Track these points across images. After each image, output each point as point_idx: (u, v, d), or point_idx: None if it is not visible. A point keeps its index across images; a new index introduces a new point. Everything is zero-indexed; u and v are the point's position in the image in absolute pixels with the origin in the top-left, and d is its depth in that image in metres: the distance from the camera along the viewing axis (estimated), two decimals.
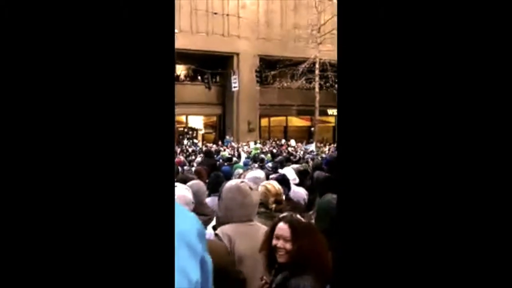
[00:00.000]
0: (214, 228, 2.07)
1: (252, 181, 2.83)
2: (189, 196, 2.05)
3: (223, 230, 1.92)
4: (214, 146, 15.04)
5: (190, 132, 20.05)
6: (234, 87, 17.78)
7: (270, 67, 17.86)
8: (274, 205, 2.59)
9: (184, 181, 2.86)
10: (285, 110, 19.29)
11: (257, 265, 1.77)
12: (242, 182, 2.05)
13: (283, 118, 21.32)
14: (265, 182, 2.83)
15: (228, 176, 4.32)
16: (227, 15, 17.94)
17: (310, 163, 7.37)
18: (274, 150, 12.44)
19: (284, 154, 10.50)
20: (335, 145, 14.40)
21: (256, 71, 17.38)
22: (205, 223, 2.25)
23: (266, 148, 13.77)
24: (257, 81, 17.48)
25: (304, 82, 17.21)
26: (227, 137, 18.06)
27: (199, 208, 2.44)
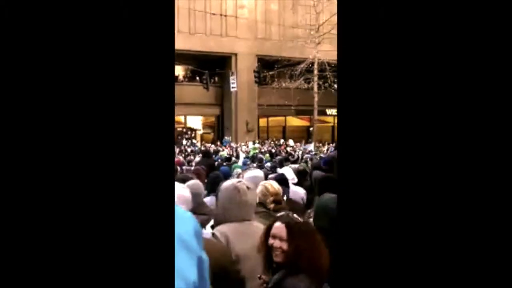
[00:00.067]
0: (213, 227, 2.07)
1: (250, 180, 2.83)
2: (188, 195, 2.04)
3: (220, 229, 1.92)
4: (213, 146, 15.04)
5: (189, 132, 20.05)
6: (233, 87, 17.78)
7: (269, 67, 17.85)
8: (273, 205, 2.59)
9: (183, 181, 2.86)
10: (283, 110, 19.28)
11: (255, 265, 1.77)
12: (239, 181, 2.05)
13: (282, 118, 21.32)
14: (264, 182, 2.83)
15: (227, 176, 4.32)
16: (225, 15, 17.93)
17: (309, 163, 7.38)
18: (273, 150, 12.45)
19: (283, 154, 10.51)
20: (333, 144, 14.40)
21: (254, 71, 17.37)
22: (204, 223, 2.25)
23: (264, 148, 13.77)
24: (256, 81, 17.46)
25: (302, 82, 17.21)
26: (226, 137, 18.05)
27: (197, 208, 2.44)
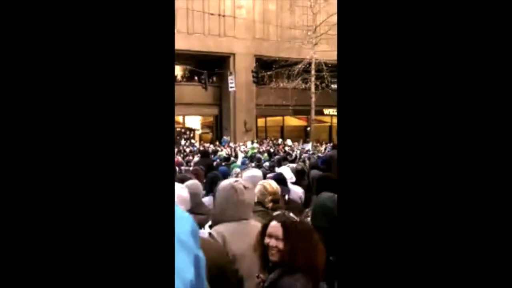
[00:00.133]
0: (211, 227, 2.07)
1: (249, 180, 2.84)
2: (186, 195, 2.05)
3: (217, 229, 1.91)
4: (212, 146, 15.01)
5: (188, 133, 20.00)
6: (231, 87, 17.74)
7: (266, 68, 17.83)
8: (271, 204, 2.60)
9: (182, 181, 2.86)
10: (281, 110, 19.26)
11: (252, 264, 1.76)
12: (236, 181, 2.05)
13: (280, 118, 21.30)
14: (262, 181, 2.84)
15: (226, 176, 4.32)
16: (223, 15, 17.90)
17: (307, 162, 7.38)
18: (271, 150, 12.43)
19: (281, 153, 10.51)
20: (331, 144, 14.40)
21: (252, 72, 17.35)
22: (202, 223, 2.25)
23: (263, 148, 13.75)
24: (254, 81, 17.45)
25: (300, 82, 17.21)
26: (225, 137, 18.03)
27: (195, 208, 2.44)
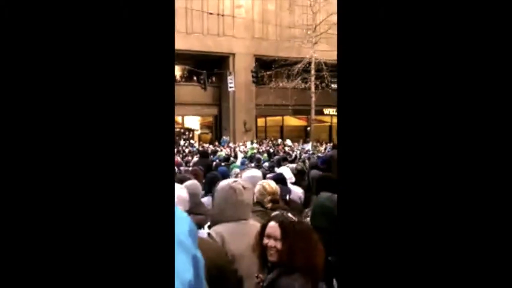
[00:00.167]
0: (210, 227, 2.07)
1: (249, 180, 2.84)
2: (185, 196, 2.05)
3: (215, 229, 1.92)
4: (211, 146, 15.03)
5: (187, 133, 20.02)
6: (231, 87, 17.77)
7: (266, 67, 17.86)
8: (270, 204, 2.60)
9: (181, 181, 2.86)
10: (281, 110, 19.29)
11: (250, 264, 1.77)
12: (235, 181, 2.05)
13: (279, 118, 21.34)
14: (261, 182, 2.84)
15: (225, 176, 4.32)
16: (222, 15, 17.92)
17: (307, 162, 7.39)
18: (271, 150, 12.45)
19: (281, 153, 10.52)
20: (331, 144, 14.42)
21: (252, 71, 17.38)
22: (201, 223, 2.25)
23: (262, 148, 13.77)
24: (253, 81, 17.48)
25: (299, 82, 17.24)
26: (224, 137, 18.05)
27: (195, 208, 2.44)
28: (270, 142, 16.93)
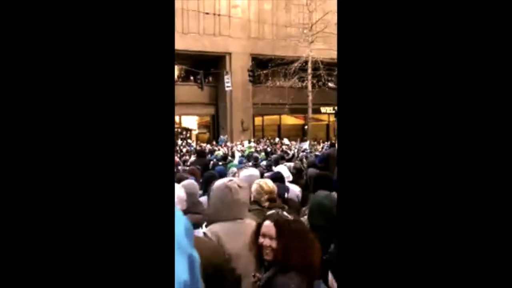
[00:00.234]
0: (207, 227, 2.07)
1: (246, 179, 2.84)
2: (182, 195, 2.05)
3: (211, 229, 1.91)
4: (208, 146, 15.01)
5: (184, 133, 19.99)
6: (227, 86, 17.74)
7: (263, 66, 17.84)
8: (267, 203, 2.60)
9: (179, 180, 2.86)
10: (278, 109, 19.27)
11: (247, 263, 1.77)
12: (230, 180, 2.05)
13: (277, 117, 21.32)
14: (258, 180, 2.84)
15: (223, 175, 4.32)
16: (219, 15, 17.89)
17: (304, 161, 7.39)
18: (268, 149, 12.44)
19: (278, 152, 10.52)
20: (328, 143, 14.43)
21: (248, 71, 17.36)
22: (199, 222, 2.25)
23: (260, 147, 13.77)
24: (250, 81, 17.45)
25: (296, 80, 17.22)
26: (222, 136, 18.03)
27: (192, 207, 2.44)
28: (267, 141, 16.92)
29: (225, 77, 17.72)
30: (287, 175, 4.25)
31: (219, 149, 12.65)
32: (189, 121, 20.93)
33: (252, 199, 2.58)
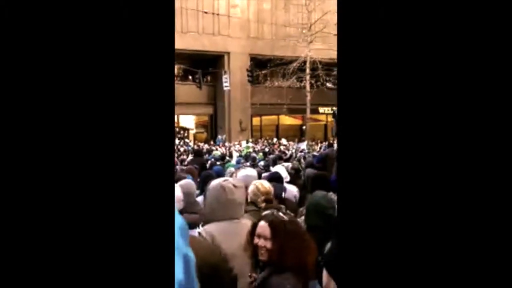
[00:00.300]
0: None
1: (243, 179, 2.84)
2: (179, 195, 2.04)
3: (206, 228, 1.91)
4: (206, 145, 15.00)
5: (182, 132, 19.98)
6: (226, 86, 17.75)
7: (261, 66, 17.86)
8: (264, 204, 2.60)
9: (176, 180, 2.86)
10: (276, 109, 19.29)
11: (243, 263, 1.77)
12: (225, 180, 2.05)
13: (275, 117, 21.34)
14: (255, 182, 2.84)
15: (220, 175, 4.32)
16: (218, 14, 17.89)
17: (302, 161, 7.39)
18: (266, 149, 12.45)
19: (276, 152, 10.52)
20: (326, 143, 14.45)
21: (247, 70, 17.37)
22: (196, 222, 2.25)
23: (258, 147, 13.78)
24: (248, 80, 17.46)
25: (295, 80, 17.24)
26: (219, 136, 18.03)
27: (189, 207, 2.44)
28: (265, 141, 16.93)
29: (224, 76, 17.72)
30: (285, 175, 4.25)
31: (217, 149, 12.64)
32: (187, 120, 20.93)
33: (248, 200, 2.58)
